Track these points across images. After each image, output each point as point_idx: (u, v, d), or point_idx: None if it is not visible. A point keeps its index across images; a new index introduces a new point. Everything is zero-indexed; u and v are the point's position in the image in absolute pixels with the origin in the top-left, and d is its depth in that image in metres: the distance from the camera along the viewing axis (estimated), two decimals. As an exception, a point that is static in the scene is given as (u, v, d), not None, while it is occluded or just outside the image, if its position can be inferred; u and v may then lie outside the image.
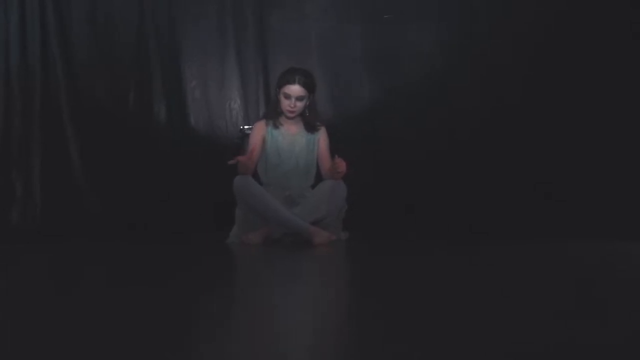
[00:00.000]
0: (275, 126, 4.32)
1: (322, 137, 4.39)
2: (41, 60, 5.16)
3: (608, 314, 2.01)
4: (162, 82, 5.29)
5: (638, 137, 5.04)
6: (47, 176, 5.14)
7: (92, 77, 5.24)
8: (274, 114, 4.33)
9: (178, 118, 5.31)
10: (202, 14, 5.31)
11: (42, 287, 2.69)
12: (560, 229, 4.69)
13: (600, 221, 4.71)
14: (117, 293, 2.45)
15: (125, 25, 5.26)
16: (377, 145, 5.22)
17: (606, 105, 5.05)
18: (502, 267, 3.25)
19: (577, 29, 5.08)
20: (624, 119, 5.05)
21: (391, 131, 5.24)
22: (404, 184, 5.14)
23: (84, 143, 5.20)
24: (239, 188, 4.11)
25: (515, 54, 5.18)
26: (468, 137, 5.15)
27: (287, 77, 4.23)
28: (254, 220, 4.13)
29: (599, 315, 2.01)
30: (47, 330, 1.83)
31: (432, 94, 5.24)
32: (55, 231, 4.89)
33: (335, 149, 4.40)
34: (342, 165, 4.08)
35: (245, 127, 5.12)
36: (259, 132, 4.32)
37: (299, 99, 4.23)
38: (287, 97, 4.23)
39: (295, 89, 4.21)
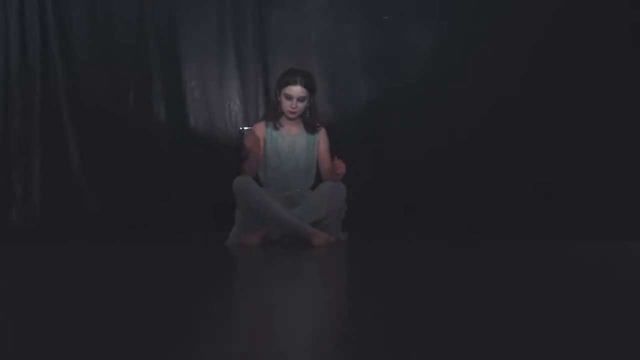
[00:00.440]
0: (276, 127, 4.31)
1: (322, 138, 4.39)
2: (41, 61, 5.15)
3: (608, 314, 2.01)
4: (162, 82, 5.29)
5: (638, 137, 5.04)
6: (47, 176, 5.14)
7: (92, 77, 5.24)
8: (274, 115, 4.33)
9: (178, 118, 5.31)
10: (202, 14, 5.31)
11: (42, 287, 2.69)
12: (560, 229, 4.69)
13: (600, 221, 4.72)
14: (117, 293, 2.45)
15: (125, 25, 5.26)
16: (377, 145, 5.22)
17: (606, 105, 5.05)
18: (502, 267, 3.25)
19: (577, 29, 5.09)
20: (624, 119, 5.05)
21: (391, 131, 5.24)
22: (404, 184, 5.14)
23: (83, 143, 5.20)
24: (239, 189, 4.11)
25: (515, 54, 5.18)
26: (468, 137, 5.15)
27: (288, 78, 4.22)
28: (254, 221, 4.13)
29: (599, 315, 2.01)
30: (47, 330, 1.83)
31: (432, 94, 5.24)
32: (55, 231, 4.89)
33: (335, 149, 4.40)
34: (341, 166, 4.08)
35: (245, 127, 5.12)
36: (255, 137, 4.29)
37: (300, 99, 4.23)
38: (289, 98, 4.23)
39: (296, 90, 4.21)
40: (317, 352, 1.64)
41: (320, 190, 4.18)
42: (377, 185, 5.13)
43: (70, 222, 5.03)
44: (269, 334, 1.80)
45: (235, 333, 1.82)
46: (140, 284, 2.69)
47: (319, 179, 4.37)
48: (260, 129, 4.33)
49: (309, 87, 4.25)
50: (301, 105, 4.25)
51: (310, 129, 4.36)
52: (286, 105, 4.24)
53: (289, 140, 4.32)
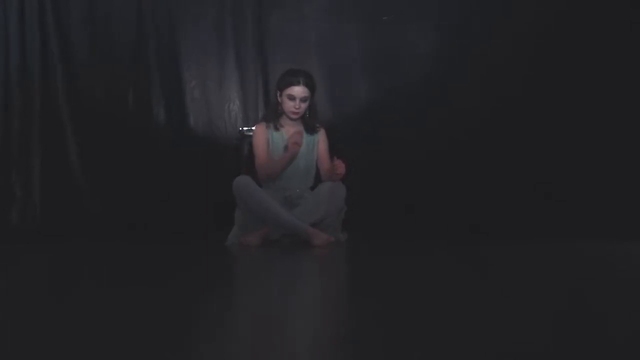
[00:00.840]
0: (276, 128, 4.31)
1: (321, 139, 4.38)
2: (41, 61, 5.16)
3: (608, 314, 2.01)
4: (162, 82, 5.29)
5: (638, 137, 5.04)
6: (47, 176, 5.15)
7: (91, 78, 5.24)
8: (274, 115, 4.32)
9: (177, 118, 5.31)
10: (202, 14, 5.31)
11: (42, 287, 2.69)
12: (560, 229, 4.69)
13: (600, 221, 4.72)
14: (117, 293, 2.45)
15: (124, 26, 5.26)
16: (377, 145, 5.22)
17: (606, 105, 5.05)
18: (502, 267, 3.25)
19: (577, 29, 5.08)
20: (624, 119, 5.05)
21: (391, 131, 5.24)
22: (404, 184, 5.14)
23: (83, 143, 5.20)
24: (239, 189, 4.10)
25: (515, 54, 5.18)
26: (468, 137, 5.15)
27: (290, 79, 4.22)
28: (254, 221, 4.13)
29: (599, 315, 2.01)
30: (47, 330, 1.83)
31: (432, 94, 5.24)
32: (55, 231, 4.89)
33: (335, 149, 4.40)
34: (341, 166, 4.08)
35: (245, 128, 5.12)
36: (262, 135, 4.29)
37: (303, 100, 4.23)
38: (292, 98, 4.22)
39: (299, 90, 4.21)
40: (317, 352, 1.64)
41: (320, 191, 4.18)
42: (377, 185, 5.13)
43: (70, 222, 5.04)
44: (268, 334, 1.80)
45: (235, 333, 1.82)
46: (140, 284, 2.69)
47: (318, 179, 4.37)
48: (263, 131, 4.31)
49: (311, 86, 4.25)
50: (304, 105, 4.25)
51: (310, 129, 4.36)
52: (289, 106, 4.23)
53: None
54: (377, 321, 1.92)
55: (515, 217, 4.91)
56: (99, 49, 5.25)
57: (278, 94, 4.29)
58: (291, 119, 4.30)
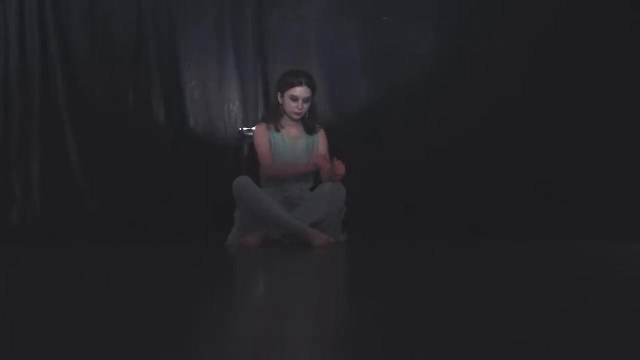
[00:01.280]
0: (277, 129, 4.30)
1: (321, 139, 4.38)
2: (40, 61, 5.16)
3: (608, 314, 2.01)
4: (162, 82, 5.29)
5: (638, 137, 5.04)
6: (47, 176, 5.15)
7: (91, 78, 5.24)
8: (275, 116, 4.31)
9: (177, 118, 5.31)
10: (202, 15, 5.31)
11: (42, 287, 2.69)
12: (560, 229, 4.69)
13: (600, 221, 4.71)
14: (117, 293, 2.45)
15: (124, 26, 5.26)
16: (377, 145, 5.22)
17: (606, 105, 5.05)
18: (502, 267, 3.25)
19: (577, 29, 5.08)
20: (624, 119, 5.05)
21: (391, 131, 5.24)
22: (404, 184, 5.14)
23: (83, 143, 5.20)
24: (239, 190, 4.10)
25: (515, 54, 5.18)
26: (468, 137, 5.15)
27: (292, 80, 4.21)
28: (253, 222, 4.13)
29: (599, 315, 2.01)
30: (47, 330, 1.83)
31: (432, 94, 5.24)
32: (55, 231, 4.89)
33: (335, 149, 4.40)
34: (340, 167, 4.07)
35: (244, 129, 5.12)
36: (264, 136, 4.29)
37: (305, 100, 4.23)
38: (294, 99, 4.21)
39: (302, 91, 4.21)
40: (317, 352, 1.64)
41: (319, 192, 4.17)
42: (377, 185, 5.13)
43: (70, 222, 5.04)
44: (268, 334, 1.80)
45: (235, 333, 1.82)
46: (140, 284, 2.69)
47: (318, 179, 4.37)
48: (264, 131, 4.31)
49: (312, 87, 4.25)
50: (306, 105, 4.24)
51: (310, 129, 4.35)
52: (291, 106, 4.22)
53: (289, 142, 4.31)
54: (377, 321, 1.92)
55: (515, 217, 4.91)
56: (99, 49, 5.25)
57: (279, 95, 4.28)
58: (293, 120, 4.29)
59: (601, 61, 5.06)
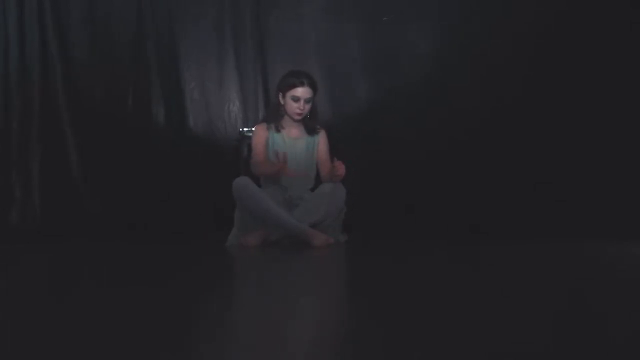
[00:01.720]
0: (277, 130, 4.30)
1: (322, 140, 4.38)
2: (40, 61, 5.16)
3: (608, 314, 2.01)
4: (161, 82, 5.29)
5: (638, 137, 5.04)
6: (47, 176, 5.15)
7: (91, 78, 5.25)
8: (275, 117, 4.32)
9: (177, 119, 5.31)
10: (202, 14, 5.32)
11: (42, 287, 2.69)
12: (560, 229, 4.69)
13: (600, 221, 4.72)
14: (117, 293, 2.45)
15: (124, 26, 5.27)
16: (377, 145, 5.23)
17: (606, 105, 5.05)
18: (502, 267, 3.24)
19: (577, 29, 5.09)
20: (624, 119, 5.05)
21: (391, 131, 5.24)
22: (404, 184, 5.15)
23: (83, 143, 5.21)
24: (239, 190, 4.10)
25: (515, 54, 5.18)
26: (468, 137, 5.16)
27: (294, 80, 4.21)
28: (253, 222, 4.13)
29: (599, 315, 2.00)
30: (47, 330, 1.82)
31: (432, 94, 5.25)
32: (55, 231, 4.89)
33: (335, 149, 4.40)
34: (341, 168, 4.08)
35: (245, 129, 5.12)
36: (262, 136, 4.30)
37: (307, 101, 4.23)
38: (296, 100, 4.21)
39: (304, 91, 4.21)
40: (317, 352, 1.64)
41: (320, 192, 4.17)
42: (377, 185, 5.13)
43: (70, 222, 5.04)
44: (268, 334, 1.79)
45: (235, 333, 1.82)
46: (140, 284, 2.69)
47: (318, 180, 4.37)
48: (263, 131, 4.31)
49: (314, 87, 4.25)
50: (308, 106, 4.25)
51: (311, 130, 4.35)
52: (293, 107, 4.22)
53: (290, 143, 4.31)
54: (377, 321, 1.92)
55: (515, 217, 4.91)
56: (98, 49, 5.25)
57: (280, 96, 4.28)
58: (294, 120, 4.29)
59: (601, 61, 5.07)
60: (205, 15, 5.33)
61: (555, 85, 5.12)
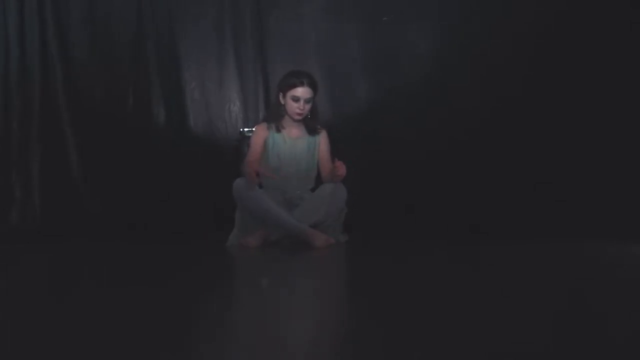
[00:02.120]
0: (277, 130, 4.30)
1: (322, 141, 4.38)
2: (40, 61, 5.16)
3: (608, 314, 2.01)
4: (161, 83, 5.29)
5: (638, 137, 5.04)
6: (47, 176, 5.15)
7: (91, 78, 5.24)
8: (276, 117, 4.31)
9: (177, 119, 5.31)
10: (202, 14, 5.31)
11: (42, 287, 2.69)
12: (560, 229, 4.69)
13: (600, 221, 4.71)
14: (117, 293, 2.45)
15: (124, 26, 5.26)
16: (377, 145, 5.22)
17: (606, 105, 5.05)
18: (502, 267, 3.25)
19: (577, 29, 5.08)
20: (624, 119, 5.04)
21: (391, 131, 5.24)
22: (404, 184, 5.14)
23: (83, 143, 5.20)
24: (239, 190, 4.10)
25: (515, 54, 5.17)
26: (468, 137, 5.15)
27: (294, 80, 4.21)
28: (253, 223, 4.13)
29: (599, 315, 2.00)
30: (47, 330, 1.82)
31: (432, 94, 5.24)
32: (55, 231, 4.89)
33: (335, 149, 4.40)
34: (341, 168, 4.08)
35: (245, 129, 5.12)
36: (261, 135, 4.30)
37: (307, 101, 4.23)
38: (296, 100, 4.21)
39: (304, 91, 4.20)
40: (317, 352, 1.64)
41: (320, 193, 4.17)
42: (377, 185, 5.13)
43: (70, 222, 5.04)
44: (268, 334, 1.80)
45: (235, 333, 1.82)
46: (140, 284, 2.69)
47: (319, 180, 4.37)
48: (263, 131, 4.31)
49: (314, 87, 4.25)
50: (308, 106, 4.24)
51: (311, 130, 4.35)
52: (293, 107, 4.22)
53: (291, 143, 4.31)
54: (377, 321, 1.92)
55: (515, 217, 4.91)
56: (99, 49, 5.25)
57: (280, 96, 4.28)
58: (294, 120, 4.29)
59: (601, 61, 5.06)
60: (205, 15, 5.32)
61: (555, 85, 5.12)
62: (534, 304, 2.17)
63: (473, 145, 5.15)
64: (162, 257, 3.78)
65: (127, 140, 5.21)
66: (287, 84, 4.22)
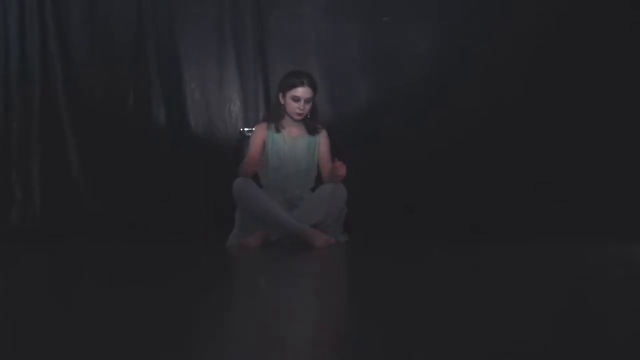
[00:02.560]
0: (277, 129, 4.30)
1: (322, 141, 4.38)
2: (40, 61, 5.16)
3: (608, 314, 2.01)
4: (161, 83, 5.29)
5: (638, 137, 5.04)
6: (47, 176, 5.15)
7: (91, 78, 5.24)
8: (276, 116, 4.32)
9: (177, 119, 5.31)
10: (202, 14, 5.31)
11: (42, 287, 2.69)
12: (560, 229, 4.69)
13: (600, 221, 4.71)
14: (117, 293, 2.45)
15: (124, 26, 5.26)
16: (377, 145, 5.22)
17: (606, 105, 5.05)
18: (502, 267, 3.25)
19: (577, 29, 5.08)
20: (624, 119, 5.04)
21: (391, 131, 5.24)
22: (404, 184, 5.14)
23: (83, 143, 5.20)
24: (239, 190, 4.10)
25: (515, 54, 5.17)
26: (468, 137, 5.15)
27: (294, 80, 4.21)
28: (253, 223, 4.13)
29: (599, 315, 2.00)
30: (47, 330, 1.82)
31: (432, 94, 5.24)
32: (55, 231, 4.89)
33: (335, 149, 4.40)
34: (342, 168, 4.08)
35: (245, 129, 5.12)
36: (260, 135, 4.30)
37: (307, 100, 4.23)
38: (296, 100, 4.21)
39: (304, 91, 4.21)
40: (317, 353, 1.64)
41: (320, 193, 4.17)
42: (377, 185, 5.13)
43: (70, 222, 5.04)
44: (268, 334, 1.80)
45: (235, 333, 1.82)
46: (140, 284, 2.69)
47: (319, 180, 4.37)
48: (262, 130, 4.32)
49: (314, 87, 4.26)
50: (308, 106, 4.25)
51: (312, 130, 4.36)
52: (293, 107, 4.23)
53: (290, 143, 4.32)
54: (377, 321, 1.92)
55: (515, 217, 4.90)
56: (98, 49, 5.25)
57: (280, 96, 4.28)
58: (295, 120, 4.29)
59: (601, 61, 5.06)
60: (205, 15, 5.32)
61: (555, 85, 5.12)
62: (534, 304, 2.17)
63: (473, 145, 5.15)
64: (162, 257, 3.78)
65: (127, 140, 5.21)
66: (287, 84, 4.22)
